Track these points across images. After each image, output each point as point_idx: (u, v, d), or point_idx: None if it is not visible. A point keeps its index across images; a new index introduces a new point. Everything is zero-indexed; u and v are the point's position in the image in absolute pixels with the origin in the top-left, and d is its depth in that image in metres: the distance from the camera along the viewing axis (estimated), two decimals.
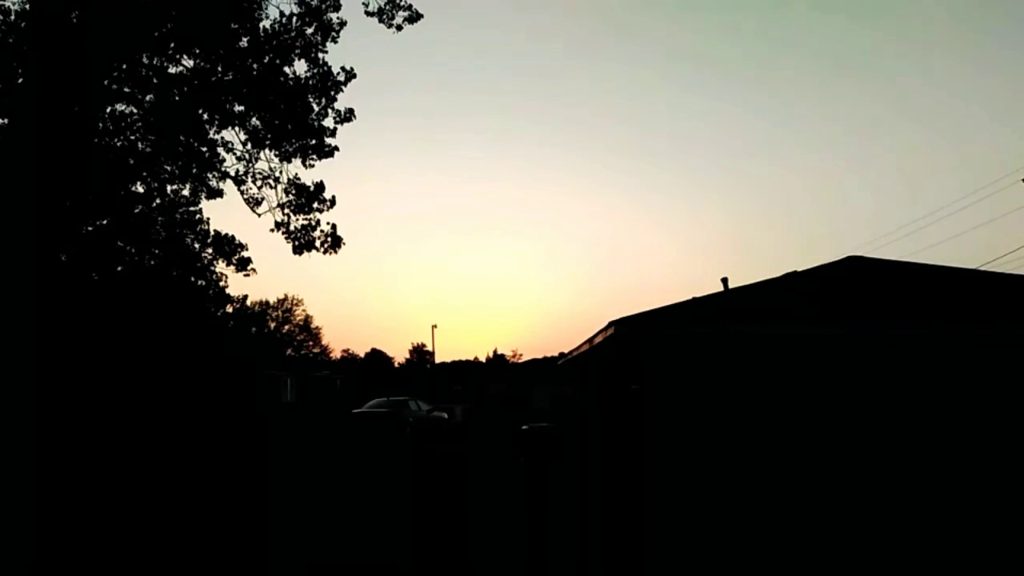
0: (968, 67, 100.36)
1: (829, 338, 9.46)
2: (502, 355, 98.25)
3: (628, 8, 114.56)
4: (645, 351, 9.87)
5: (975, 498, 9.11)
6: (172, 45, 18.19)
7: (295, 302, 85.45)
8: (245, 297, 66.57)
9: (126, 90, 18.36)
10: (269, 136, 19.50)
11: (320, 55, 19.06)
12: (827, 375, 9.36)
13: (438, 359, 75.16)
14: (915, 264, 12.38)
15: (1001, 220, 69.48)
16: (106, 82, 17.76)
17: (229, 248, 24.00)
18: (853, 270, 11.59)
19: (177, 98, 18.57)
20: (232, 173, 20.11)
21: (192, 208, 25.31)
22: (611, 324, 10.01)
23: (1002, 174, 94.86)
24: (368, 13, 19.13)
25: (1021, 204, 50.95)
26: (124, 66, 17.95)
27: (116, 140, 19.21)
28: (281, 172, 19.98)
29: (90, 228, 21.24)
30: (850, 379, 9.35)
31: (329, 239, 20.05)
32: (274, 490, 14.87)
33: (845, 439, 9.24)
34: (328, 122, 19.46)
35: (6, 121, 17.22)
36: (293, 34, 18.85)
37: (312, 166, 19.81)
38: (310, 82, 19.18)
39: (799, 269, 12.20)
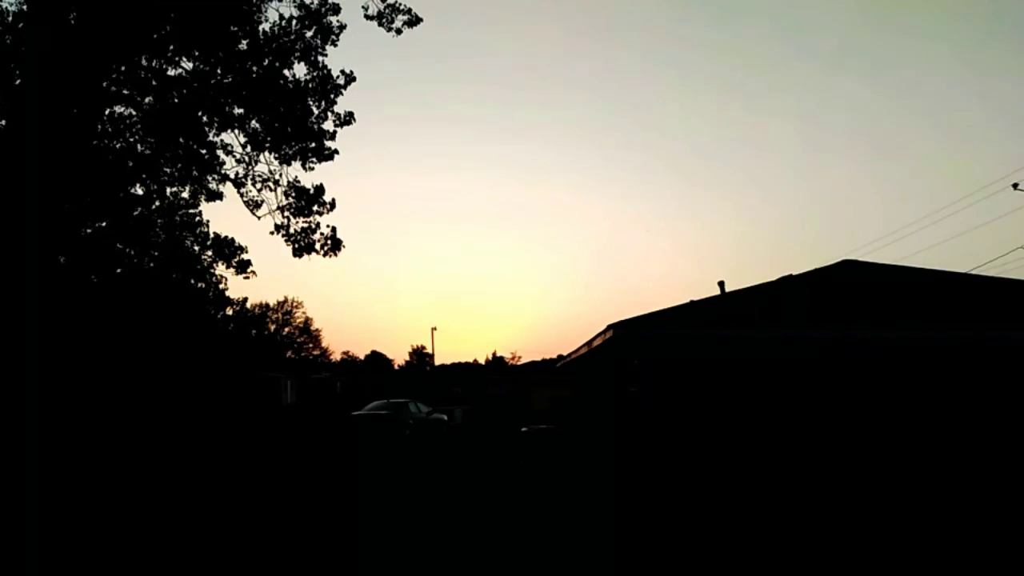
0: (963, 72, 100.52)
1: (823, 340, 9.49)
2: (501, 357, 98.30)
3: (629, 9, 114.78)
4: (643, 353, 9.90)
5: (967, 496, 9.12)
6: (171, 47, 18.18)
7: (295, 304, 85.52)
8: (245, 299, 66.82)
9: (125, 92, 18.35)
10: (269, 139, 19.48)
11: (320, 58, 19.07)
12: (822, 377, 9.39)
13: (437, 361, 75.14)
14: (907, 268, 12.41)
15: (993, 224, 69.94)
16: (105, 84, 17.76)
17: (229, 250, 24.04)
18: (847, 274, 11.61)
19: (176, 100, 18.56)
20: (232, 175, 20.10)
21: (192, 210, 25.44)
22: (610, 327, 10.05)
23: (993, 179, 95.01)
24: (368, 17, 19.14)
25: (1012, 208, 51.20)
26: (123, 68, 17.95)
27: (115, 142, 19.21)
28: (281, 175, 19.98)
29: (89, 230, 21.26)
30: (844, 381, 9.38)
31: (329, 242, 20.04)
32: (270, 491, 14.87)
33: (839, 438, 9.26)
34: (328, 125, 19.46)
35: (4, 123, 17.23)
36: (293, 37, 18.84)
37: (312, 169, 19.82)
38: (310, 85, 19.18)
39: (794, 273, 12.22)
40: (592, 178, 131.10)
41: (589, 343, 12.43)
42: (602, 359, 13.00)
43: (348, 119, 19.63)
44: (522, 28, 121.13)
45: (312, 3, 18.84)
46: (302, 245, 20.05)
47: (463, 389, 66.65)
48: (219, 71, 18.74)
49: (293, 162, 19.72)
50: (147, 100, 18.71)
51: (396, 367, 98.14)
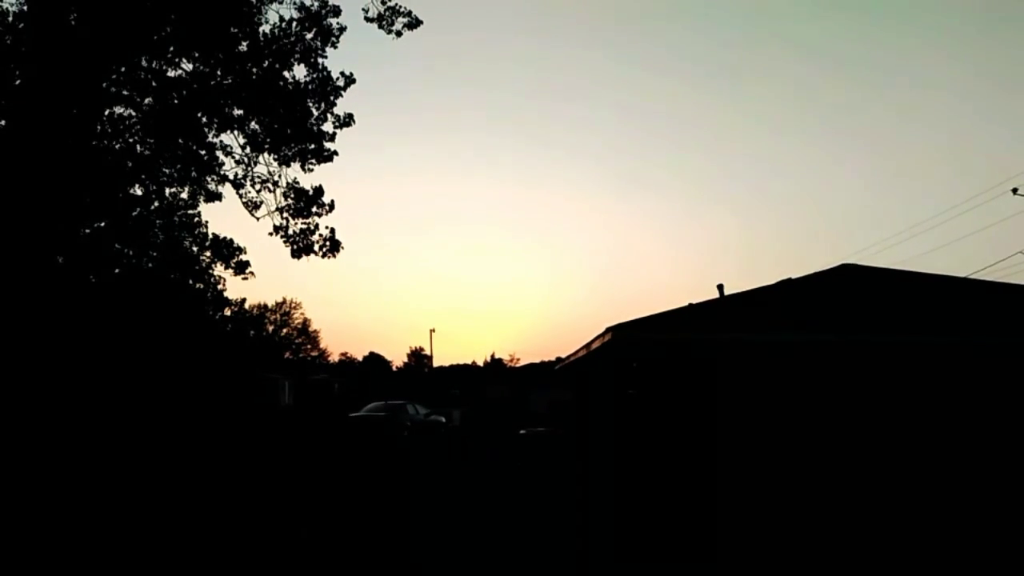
0: (960, 75, 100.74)
1: (821, 345, 9.49)
2: (500, 359, 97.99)
3: (630, 15, 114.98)
4: (642, 356, 9.90)
5: (961, 500, 9.13)
6: (171, 48, 18.20)
7: (293, 305, 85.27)
8: (243, 300, 66.54)
9: (125, 93, 18.37)
10: (268, 140, 19.50)
11: (320, 60, 19.11)
12: (819, 381, 9.39)
13: (436, 363, 75.18)
14: (907, 272, 12.42)
15: (992, 229, 70.23)
16: (104, 84, 17.76)
17: (227, 251, 24.01)
18: (846, 278, 11.62)
19: (176, 101, 18.57)
20: (231, 176, 20.11)
21: (191, 211, 25.38)
22: (608, 330, 10.03)
23: (993, 183, 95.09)
24: (368, 19, 19.19)
25: (1012, 213, 51.16)
26: (123, 69, 17.96)
27: (114, 143, 19.21)
28: (280, 176, 19.99)
29: (88, 231, 21.23)
30: (841, 385, 9.38)
31: (327, 243, 20.06)
32: (269, 493, 14.87)
33: (835, 444, 9.26)
34: (327, 127, 19.48)
35: (4, 123, 17.22)
36: (293, 39, 18.87)
37: (311, 170, 19.83)
38: (309, 87, 19.20)
39: (793, 276, 12.23)
40: (592, 181, 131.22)
41: (588, 346, 12.41)
42: (601, 362, 12.97)
43: (348, 121, 19.66)
44: (523, 31, 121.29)
45: (312, 5, 18.89)
46: (301, 246, 20.07)
47: (461, 391, 66.59)
48: (219, 72, 18.76)
49: (292, 163, 19.76)
50: (147, 101, 18.73)
51: (394, 369, 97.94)
